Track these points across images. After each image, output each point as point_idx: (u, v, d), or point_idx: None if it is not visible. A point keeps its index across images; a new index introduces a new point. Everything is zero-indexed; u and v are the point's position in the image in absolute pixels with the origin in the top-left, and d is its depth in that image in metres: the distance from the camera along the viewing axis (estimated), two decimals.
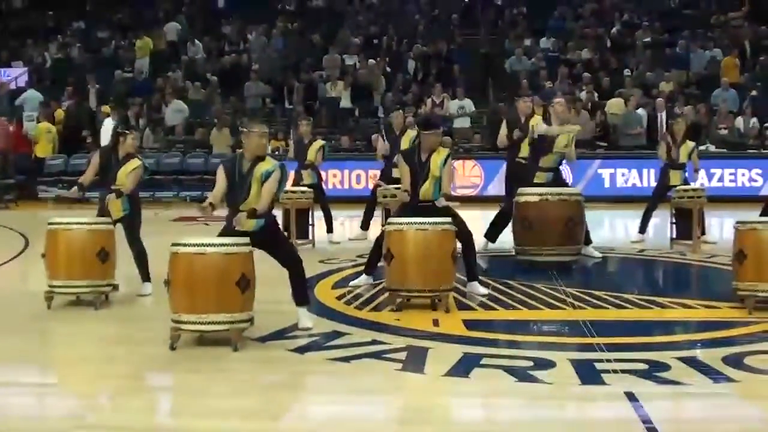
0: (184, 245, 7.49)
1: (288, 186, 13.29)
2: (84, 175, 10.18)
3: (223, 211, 8.20)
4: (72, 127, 24.61)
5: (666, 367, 6.91)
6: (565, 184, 12.24)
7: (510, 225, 12.03)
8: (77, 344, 8.18)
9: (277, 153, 21.93)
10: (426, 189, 9.60)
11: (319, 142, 14.05)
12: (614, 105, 22.82)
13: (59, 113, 24.28)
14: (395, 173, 13.27)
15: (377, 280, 10.08)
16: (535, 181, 11.63)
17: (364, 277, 10.34)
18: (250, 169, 7.90)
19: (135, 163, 10.02)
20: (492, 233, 12.62)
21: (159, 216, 18.11)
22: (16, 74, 28.26)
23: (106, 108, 23.09)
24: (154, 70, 27.69)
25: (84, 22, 31.16)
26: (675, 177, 13.46)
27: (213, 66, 27.47)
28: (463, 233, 9.57)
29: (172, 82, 26.25)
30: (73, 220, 9.49)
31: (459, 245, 9.43)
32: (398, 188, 12.22)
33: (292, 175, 13.95)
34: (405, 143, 13.32)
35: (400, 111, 14.25)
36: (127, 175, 9.91)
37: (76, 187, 10.01)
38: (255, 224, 7.90)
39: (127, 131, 10.19)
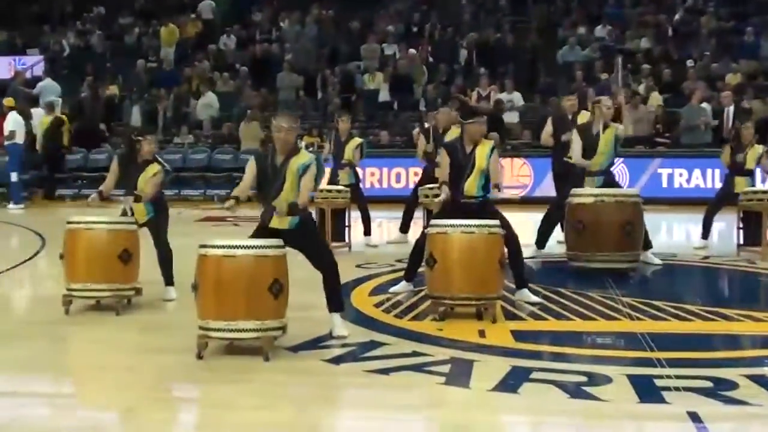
0: (213, 247, 7.52)
1: (324, 185, 13.40)
2: (105, 182, 10.21)
3: (246, 211, 8.21)
4: (89, 120, 24.79)
5: (732, 385, 6.85)
6: (618, 187, 12.18)
7: (559, 229, 12.01)
8: (97, 352, 8.24)
9: (310, 149, 21.99)
10: (470, 184, 9.58)
11: (357, 140, 14.07)
12: (654, 98, 22.63)
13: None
14: (438, 173, 13.29)
15: (418, 286, 10.07)
16: (585, 186, 11.59)
17: (404, 283, 10.34)
18: (284, 162, 7.97)
19: (154, 168, 10.05)
20: (540, 239, 12.58)
21: (184, 215, 18.20)
22: (32, 63, 28.47)
23: (9, 101, 22.69)
24: (180, 60, 27.87)
25: (104, 8, 31.41)
26: (741, 184, 13.30)
27: (243, 56, 27.59)
28: (509, 236, 9.55)
29: (200, 72, 26.39)
30: (94, 219, 9.55)
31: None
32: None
33: (328, 172, 14.04)
34: None
35: (448, 109, 14.25)
36: (146, 181, 9.96)
37: (95, 195, 10.03)
38: (290, 221, 7.95)
39: (141, 137, 10.16)
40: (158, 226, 10.10)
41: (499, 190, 9.66)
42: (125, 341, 8.54)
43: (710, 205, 13.79)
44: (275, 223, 7.98)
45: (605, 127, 11.71)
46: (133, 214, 9.94)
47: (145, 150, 10.06)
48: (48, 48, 29.36)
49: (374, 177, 21.38)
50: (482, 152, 9.61)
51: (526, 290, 9.85)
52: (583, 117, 12.32)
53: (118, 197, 10.27)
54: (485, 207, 9.57)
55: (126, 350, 8.21)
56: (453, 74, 25.62)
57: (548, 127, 12.88)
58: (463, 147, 9.68)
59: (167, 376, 7.40)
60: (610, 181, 11.89)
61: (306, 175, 7.96)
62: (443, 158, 9.81)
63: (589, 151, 11.67)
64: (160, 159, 10.32)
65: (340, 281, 8.32)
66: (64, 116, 23.40)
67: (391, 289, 10.37)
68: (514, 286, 9.89)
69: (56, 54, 29.08)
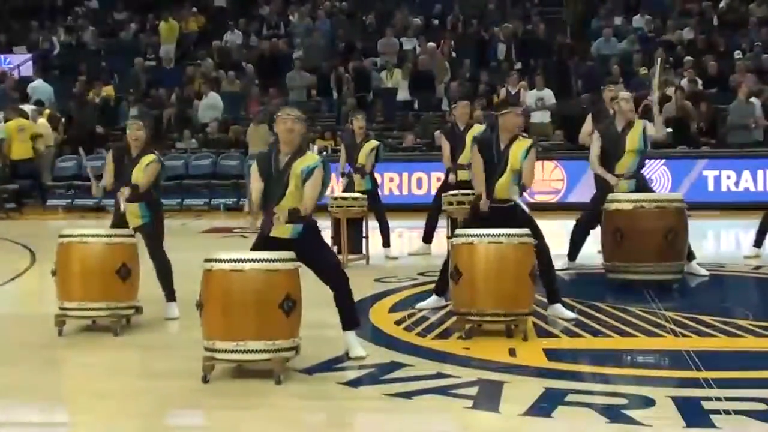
0: (219, 261, 7.54)
1: (339, 192, 13.39)
2: (105, 179, 10.23)
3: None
4: (83, 123, 24.87)
5: None
6: (650, 190, 12.13)
7: (592, 237, 12.00)
8: (93, 377, 8.24)
9: (324, 153, 22.02)
10: (502, 184, 9.50)
11: (373, 143, 14.07)
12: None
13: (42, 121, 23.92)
14: (461, 176, 13.28)
15: (449, 301, 10.01)
16: (615, 192, 11.53)
17: (434, 298, 10.30)
18: (287, 164, 7.94)
19: (149, 158, 10.00)
20: (572, 250, 12.53)
21: (188, 227, 18.24)
22: (19, 61, 28.55)
23: None
24: (181, 58, 27.94)
25: (98, 1, 31.51)
26: None
27: (249, 53, 27.65)
28: (540, 247, 9.53)
29: (203, 71, 26.46)
30: (89, 231, 9.58)
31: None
32: (466, 194, 12.29)
33: (342, 180, 14.07)
34: (471, 140, 13.32)
35: (466, 102, 14.23)
36: (141, 171, 9.93)
37: (95, 182, 10.09)
38: (292, 230, 7.94)
39: (129, 121, 10.18)
40: (153, 233, 10.07)
41: (523, 191, 9.57)
42: (124, 365, 8.56)
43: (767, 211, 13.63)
44: (276, 231, 7.96)
45: (629, 125, 11.66)
46: (123, 215, 9.90)
47: (132, 135, 9.98)
48: (37, 45, 29.46)
49: (393, 183, 21.37)
50: (517, 150, 9.51)
51: (559, 305, 9.84)
52: None
53: (111, 207, 10.27)
54: (517, 212, 9.53)
55: (125, 374, 8.23)
56: (478, 70, 25.58)
57: (587, 125, 12.84)
58: (498, 143, 9.61)
59: (170, 402, 7.41)
60: (642, 185, 11.83)
61: (310, 180, 7.91)
62: (474, 156, 9.71)
63: (614, 153, 11.59)
64: (155, 151, 10.25)
65: (352, 295, 8.28)
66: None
67: (419, 305, 10.35)
68: (545, 300, 9.88)
69: (46, 52, 29.17)
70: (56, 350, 9.08)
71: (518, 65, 25.34)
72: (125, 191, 9.82)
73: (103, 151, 23.75)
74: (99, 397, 7.53)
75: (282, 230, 7.94)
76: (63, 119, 24.59)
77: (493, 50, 26.58)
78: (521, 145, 9.55)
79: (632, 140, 11.58)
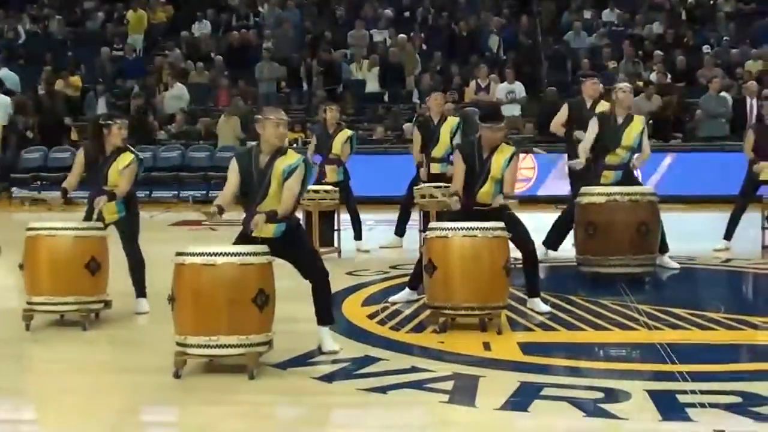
0: (190, 255, 7.48)
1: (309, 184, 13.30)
2: (68, 179, 10.01)
3: (232, 215, 8.18)
4: (50, 115, 24.67)
5: (763, 400, 6.83)
6: (638, 184, 12.15)
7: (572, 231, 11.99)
8: (61, 373, 8.15)
9: (294, 146, 21.92)
10: (485, 192, 9.53)
11: (347, 132, 14.00)
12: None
13: None
14: (434, 168, 13.25)
15: (421, 295, 10.00)
16: (602, 182, 11.55)
17: (406, 291, 10.26)
18: (269, 163, 7.88)
19: (127, 157, 9.87)
20: (552, 240, 12.54)
21: (156, 219, 18.15)
22: None
23: None
24: (149, 48, 27.80)
25: None
26: (767, 171, 13.27)
27: (218, 43, 27.55)
28: (525, 243, 9.55)
29: (171, 62, 26.34)
30: (57, 224, 9.45)
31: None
32: (439, 187, 12.25)
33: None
34: (445, 133, 13.28)
35: (440, 93, 14.16)
36: (119, 172, 9.78)
37: (58, 195, 9.92)
38: (275, 229, 7.89)
39: (110, 121, 9.97)
40: (129, 228, 9.97)
41: (504, 199, 9.53)
42: (93, 360, 8.51)
43: (737, 202, 13.63)
44: (258, 231, 7.90)
45: (629, 117, 11.65)
46: (99, 216, 9.78)
47: (114, 135, 9.83)
48: (1, 35, 29.24)
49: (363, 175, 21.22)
50: (499, 160, 9.52)
51: (537, 299, 9.84)
52: (603, 106, 12.28)
53: (82, 200, 10.15)
54: (500, 213, 9.49)
55: (94, 370, 8.17)
56: (449, 63, 25.58)
57: (562, 114, 12.80)
58: (480, 151, 9.60)
59: (141, 398, 7.35)
60: (629, 176, 11.84)
61: (291, 178, 7.86)
62: (457, 162, 9.70)
63: (610, 143, 11.59)
64: (131, 148, 10.14)
65: (331, 292, 8.29)
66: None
67: (391, 298, 10.31)
68: (519, 293, 9.88)
69: (11, 41, 28.95)
70: (23, 345, 8.99)
71: (504, 58, 25.35)
72: (101, 201, 9.65)
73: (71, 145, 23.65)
74: (67, 393, 7.48)
75: (264, 230, 7.87)
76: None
77: (497, 42, 26.51)
78: (503, 154, 9.55)
79: (629, 136, 11.58)
